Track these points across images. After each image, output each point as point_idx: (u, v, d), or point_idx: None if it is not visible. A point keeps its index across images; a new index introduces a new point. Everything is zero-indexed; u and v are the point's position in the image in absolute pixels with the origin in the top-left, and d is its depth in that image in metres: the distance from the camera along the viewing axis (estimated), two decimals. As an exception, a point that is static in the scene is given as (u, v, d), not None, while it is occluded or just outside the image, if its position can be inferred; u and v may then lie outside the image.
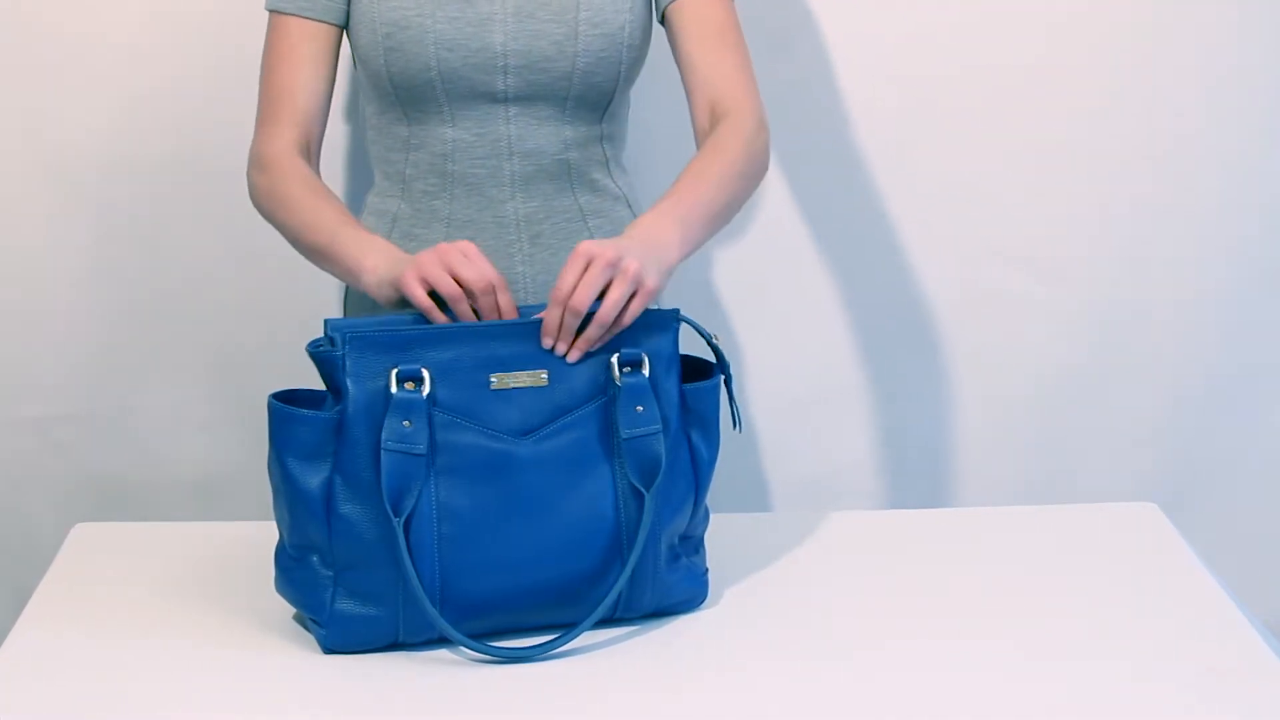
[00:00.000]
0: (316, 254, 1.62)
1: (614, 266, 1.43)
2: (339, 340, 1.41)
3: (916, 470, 2.34)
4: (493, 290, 1.46)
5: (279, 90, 1.71)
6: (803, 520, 1.75)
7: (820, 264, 2.26)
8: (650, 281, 1.45)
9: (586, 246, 1.43)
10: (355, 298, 1.84)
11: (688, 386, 1.50)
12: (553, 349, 1.45)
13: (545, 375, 1.44)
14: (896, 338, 2.29)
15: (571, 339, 1.45)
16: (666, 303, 1.82)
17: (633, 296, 1.45)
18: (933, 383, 2.31)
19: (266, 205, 1.68)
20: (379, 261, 1.53)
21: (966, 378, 2.31)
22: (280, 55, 1.71)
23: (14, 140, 2.16)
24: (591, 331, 1.44)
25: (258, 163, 1.70)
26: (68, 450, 2.27)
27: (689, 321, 1.51)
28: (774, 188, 2.23)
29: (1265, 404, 2.34)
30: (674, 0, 1.72)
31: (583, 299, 1.42)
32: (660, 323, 1.48)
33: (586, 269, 1.43)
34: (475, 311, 1.47)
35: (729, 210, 1.61)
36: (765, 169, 1.69)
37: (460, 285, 1.46)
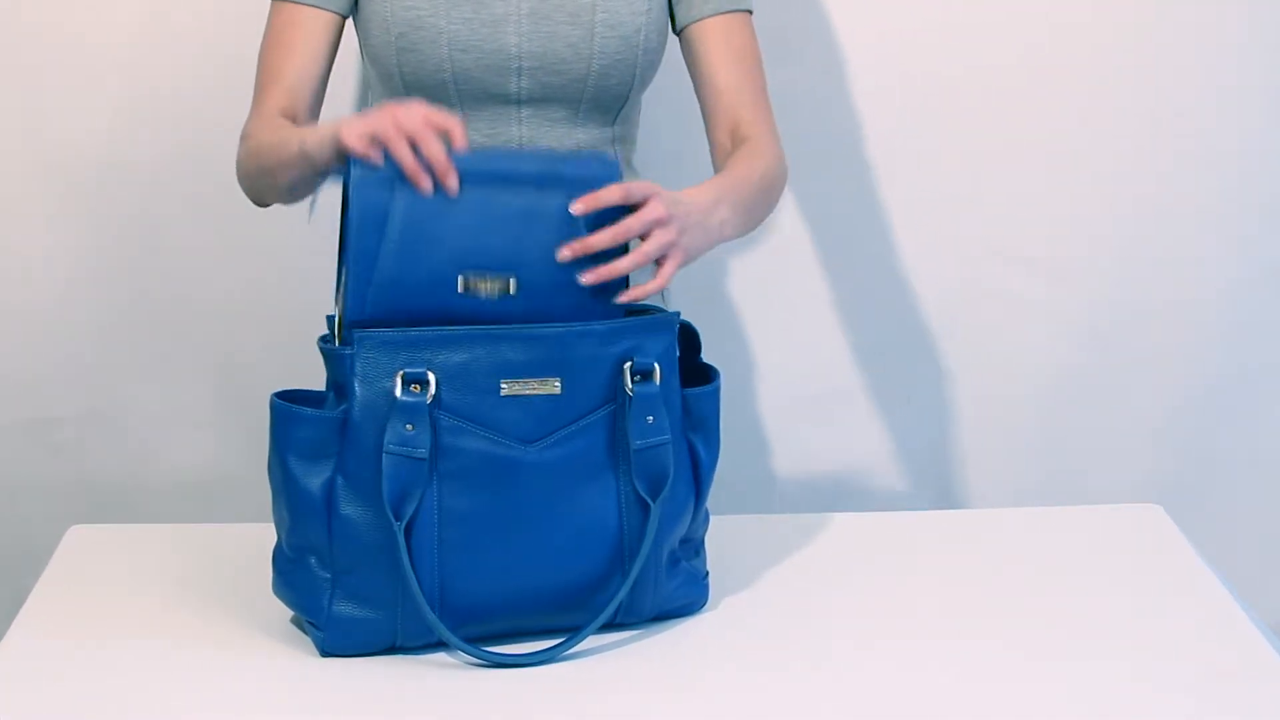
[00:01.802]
0: (292, 167, 1.52)
1: (662, 223, 1.44)
2: (349, 338, 1.39)
3: (919, 471, 2.33)
4: (436, 130, 1.40)
5: (270, 74, 1.67)
6: (804, 522, 1.74)
7: (823, 265, 2.26)
8: (684, 254, 1.48)
9: (658, 198, 1.45)
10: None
11: (688, 391, 1.49)
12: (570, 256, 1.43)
13: (558, 384, 1.43)
14: (899, 338, 2.29)
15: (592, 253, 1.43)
16: (672, 304, 1.81)
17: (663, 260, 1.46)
18: (936, 383, 2.30)
19: (247, 164, 1.63)
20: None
21: (969, 378, 2.30)
22: (274, 40, 1.69)
23: (11, 140, 2.16)
24: (620, 264, 1.43)
25: (242, 137, 1.66)
26: (63, 452, 2.26)
27: (688, 325, 1.50)
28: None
29: (1269, 404, 2.34)
30: (698, 20, 1.71)
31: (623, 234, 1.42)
32: (661, 326, 1.47)
33: (645, 205, 1.44)
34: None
35: (757, 211, 1.64)
36: (779, 197, 1.70)
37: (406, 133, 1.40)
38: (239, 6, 1.99)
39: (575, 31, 1.67)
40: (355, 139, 1.40)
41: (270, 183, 1.61)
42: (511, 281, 1.42)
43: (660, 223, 1.45)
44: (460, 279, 1.41)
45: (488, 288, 1.42)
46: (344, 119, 1.44)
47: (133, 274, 2.20)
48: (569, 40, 1.67)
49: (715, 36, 1.71)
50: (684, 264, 1.48)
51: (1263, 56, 2.21)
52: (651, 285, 1.45)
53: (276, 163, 1.56)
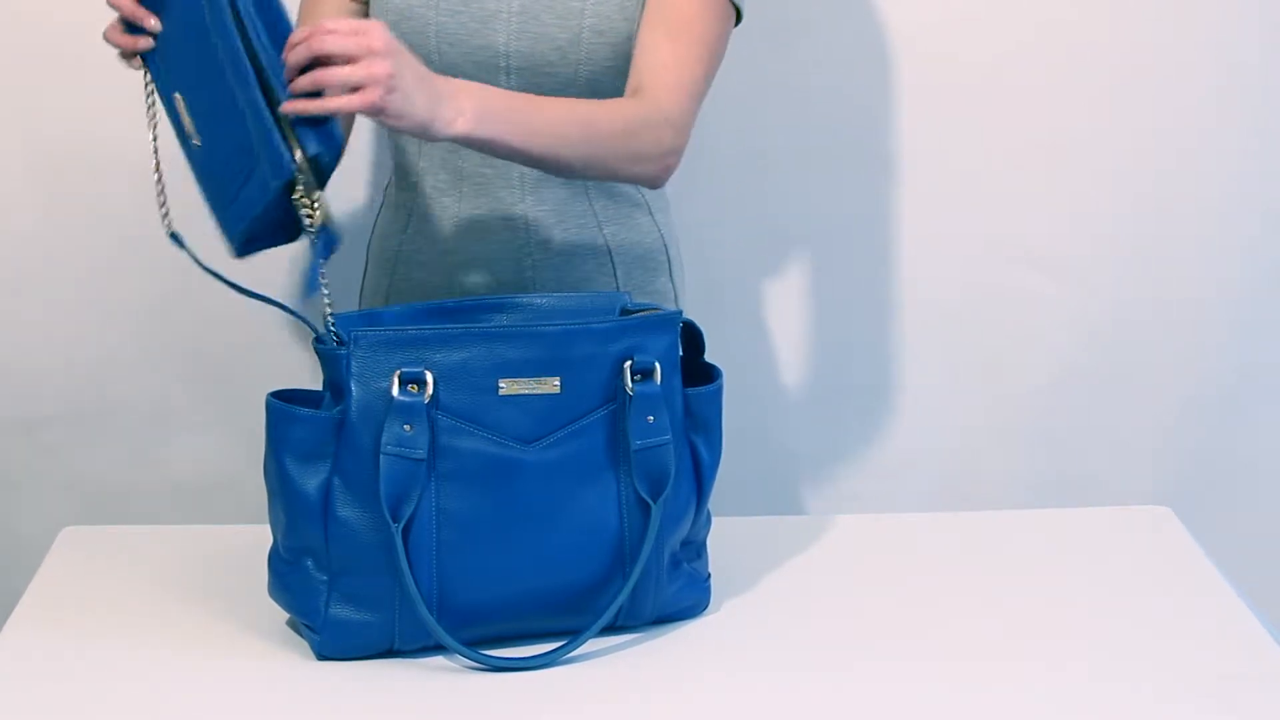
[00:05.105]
0: None
1: (376, 55, 1.35)
2: (345, 339, 1.38)
3: (924, 472, 2.33)
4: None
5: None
6: (807, 524, 1.73)
7: (827, 264, 2.25)
8: (391, 102, 1.35)
9: (378, 31, 1.35)
10: (369, 292, 1.82)
11: (690, 391, 1.48)
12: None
13: (558, 383, 1.41)
14: (903, 339, 2.28)
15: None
16: (672, 303, 1.80)
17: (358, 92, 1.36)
18: (941, 384, 2.30)
19: None
20: None
21: (975, 379, 2.30)
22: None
23: (8, 139, 2.15)
24: (294, 103, 1.35)
25: None
26: (57, 452, 2.25)
27: (692, 325, 1.48)
28: (781, 185, 2.22)
29: (1278, 405, 2.33)
30: None
31: (318, 45, 1.34)
32: (663, 325, 1.45)
33: (355, 33, 1.35)
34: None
35: (564, 154, 1.50)
36: (657, 164, 1.58)
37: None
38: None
39: (563, 35, 1.65)
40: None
41: None
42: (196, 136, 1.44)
43: (374, 52, 1.36)
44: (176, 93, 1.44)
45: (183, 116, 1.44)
46: None
47: (128, 273, 2.19)
48: (556, 43, 1.65)
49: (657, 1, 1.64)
50: (382, 112, 1.36)
51: (1266, 55, 2.20)
52: (313, 104, 1.35)
53: None
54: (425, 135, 1.41)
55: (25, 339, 2.21)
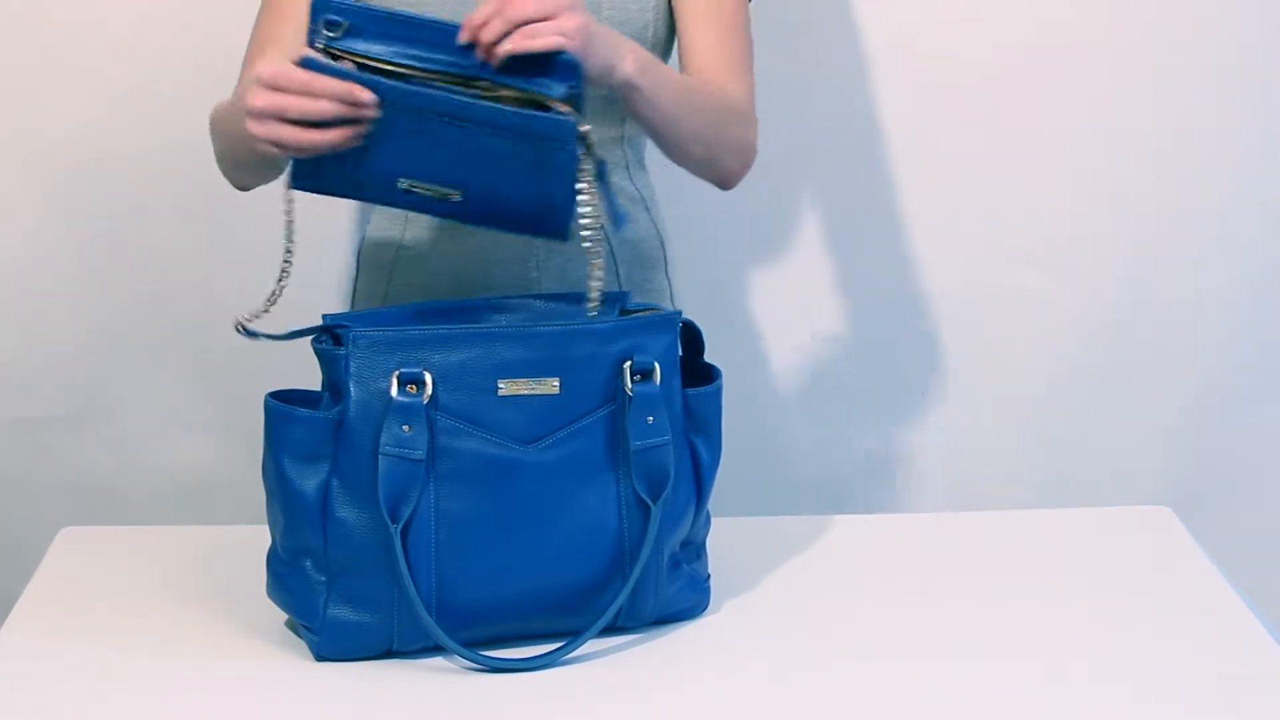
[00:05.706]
0: (236, 137, 1.45)
1: (568, 7, 1.37)
2: (344, 339, 1.38)
3: (924, 473, 2.32)
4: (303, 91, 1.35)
5: (258, 43, 1.64)
6: (807, 525, 1.73)
7: (828, 263, 2.25)
8: (591, 45, 1.39)
9: None
10: (362, 298, 1.81)
11: (690, 391, 1.47)
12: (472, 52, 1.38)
13: (557, 384, 1.41)
14: (904, 339, 2.28)
15: (492, 41, 1.37)
16: (668, 299, 1.80)
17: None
18: (941, 384, 2.30)
19: (213, 140, 1.59)
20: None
21: (975, 379, 2.30)
22: (265, 6, 1.66)
23: (3, 138, 2.14)
24: (507, 44, 1.36)
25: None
26: (55, 452, 2.25)
27: (691, 325, 1.48)
28: (781, 185, 2.21)
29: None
30: None
31: (514, 14, 1.35)
32: (662, 325, 1.45)
33: None
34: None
35: (686, 123, 1.54)
36: (743, 157, 1.63)
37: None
38: (234, 3, 1.98)
39: None
40: (254, 126, 1.36)
41: (234, 158, 1.56)
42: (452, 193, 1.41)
43: (570, 6, 1.38)
44: (402, 181, 1.41)
45: (427, 190, 1.41)
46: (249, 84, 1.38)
47: (125, 273, 2.19)
48: None
49: (695, 2, 1.66)
50: (573, 48, 1.38)
51: (1266, 55, 2.20)
52: (533, 42, 1.36)
53: (232, 132, 1.49)
54: (607, 76, 1.44)
55: (23, 339, 2.21)
